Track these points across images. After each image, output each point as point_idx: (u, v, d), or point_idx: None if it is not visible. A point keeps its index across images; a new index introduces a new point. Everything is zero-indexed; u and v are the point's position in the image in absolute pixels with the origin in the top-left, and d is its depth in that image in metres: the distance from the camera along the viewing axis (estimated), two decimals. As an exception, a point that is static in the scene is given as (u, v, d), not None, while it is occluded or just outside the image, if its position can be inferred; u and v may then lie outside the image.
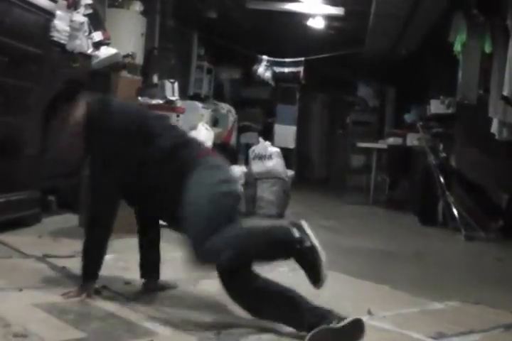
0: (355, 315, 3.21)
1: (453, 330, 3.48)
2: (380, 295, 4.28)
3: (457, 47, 8.36)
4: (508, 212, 7.64)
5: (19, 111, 5.27)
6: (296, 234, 3.12)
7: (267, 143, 8.30)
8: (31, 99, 5.41)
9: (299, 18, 12.59)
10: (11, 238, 4.86)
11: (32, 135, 5.48)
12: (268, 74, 13.95)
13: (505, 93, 7.27)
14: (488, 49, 7.98)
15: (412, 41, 11.72)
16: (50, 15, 5.79)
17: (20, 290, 3.43)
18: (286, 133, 14.27)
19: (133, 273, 4.08)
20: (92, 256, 3.47)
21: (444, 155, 8.58)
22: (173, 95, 8.09)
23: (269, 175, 7.70)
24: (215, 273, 3.15)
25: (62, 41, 6.16)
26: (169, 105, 7.61)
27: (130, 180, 3.42)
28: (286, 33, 13.55)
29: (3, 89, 4.93)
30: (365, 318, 3.38)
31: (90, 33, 7.03)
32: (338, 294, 3.92)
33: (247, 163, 8.45)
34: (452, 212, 7.59)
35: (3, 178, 5.02)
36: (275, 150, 8.08)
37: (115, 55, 7.32)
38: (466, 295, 4.35)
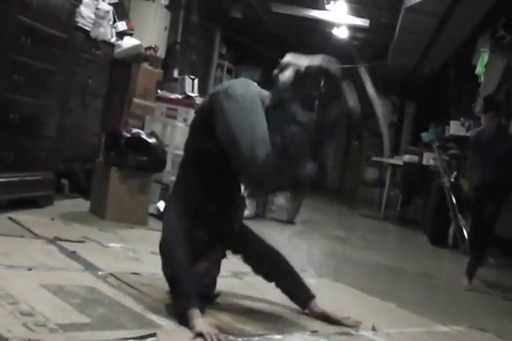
0: (360, 329, 3.34)
1: (456, 354, 3.42)
2: (385, 312, 4.21)
3: (479, 69, 8.36)
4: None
5: (41, 92, 5.23)
6: None
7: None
8: (53, 82, 5.37)
9: (324, 26, 12.60)
10: (23, 217, 4.84)
11: (51, 117, 5.49)
12: (288, 79, 13.93)
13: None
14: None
15: (436, 60, 11.70)
16: (77, 1, 5.78)
17: (29, 269, 3.41)
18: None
19: (141, 264, 4.09)
20: None
21: (454, 178, 8.53)
22: (192, 91, 8.06)
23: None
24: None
25: (87, 28, 6.14)
26: (188, 101, 7.58)
27: None
28: (309, 39, 13.56)
29: (26, 69, 4.88)
30: (368, 333, 3.43)
31: (114, 22, 7.04)
32: (344, 306, 3.89)
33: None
34: (463, 235, 7.53)
35: (20, 157, 4.99)
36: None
37: (137, 46, 7.31)
38: (472, 321, 4.28)
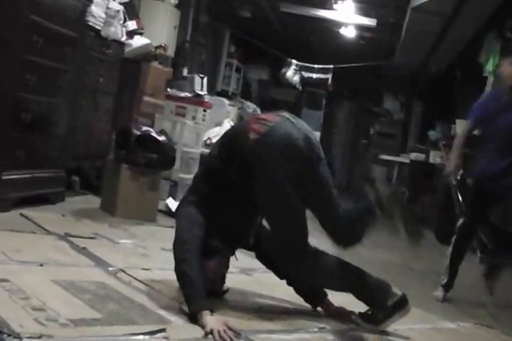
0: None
1: (463, 351, 3.44)
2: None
3: (490, 67, 8.34)
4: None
5: (52, 91, 5.29)
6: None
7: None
8: (64, 81, 5.43)
9: (331, 26, 12.64)
10: (35, 214, 4.89)
11: (63, 115, 5.55)
12: (296, 79, 14.00)
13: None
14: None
15: (443, 59, 11.72)
16: (88, 0, 5.84)
17: (41, 265, 3.46)
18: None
19: (151, 260, 4.14)
20: None
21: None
22: (201, 90, 8.10)
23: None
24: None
25: (98, 27, 6.20)
26: (197, 99, 7.63)
27: None
28: (317, 39, 13.61)
29: (38, 68, 4.94)
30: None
31: (125, 21, 7.07)
32: (353, 303, 3.89)
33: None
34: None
35: (32, 155, 5.06)
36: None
37: (147, 45, 7.37)
38: (479, 318, 4.31)
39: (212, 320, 2.89)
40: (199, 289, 3.01)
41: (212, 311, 2.98)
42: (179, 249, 3.15)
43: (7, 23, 4.67)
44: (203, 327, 2.86)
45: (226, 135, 3.58)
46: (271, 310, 3.45)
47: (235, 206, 3.32)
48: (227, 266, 3.48)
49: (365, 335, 3.35)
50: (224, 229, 3.35)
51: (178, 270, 3.12)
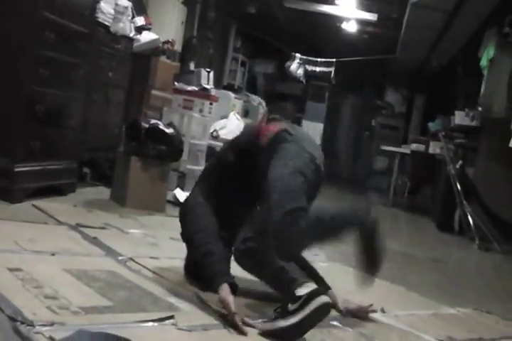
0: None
1: (462, 336, 3.52)
2: (394, 294, 4.32)
3: (483, 62, 8.41)
4: None
5: (65, 84, 5.38)
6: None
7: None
8: (77, 74, 5.54)
9: (334, 21, 12.75)
10: (47, 204, 4.95)
11: (75, 108, 5.66)
12: (300, 72, 14.13)
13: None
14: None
15: (444, 54, 11.78)
16: (97, -3, 5.94)
17: (53, 254, 3.50)
18: (314, 129, 14.29)
19: (160, 249, 4.22)
20: None
21: (459, 165, 8.63)
22: (208, 83, 8.19)
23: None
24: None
25: (107, 23, 6.30)
26: (204, 92, 7.71)
27: None
28: (320, 33, 13.71)
29: (51, 63, 5.03)
30: (378, 315, 3.52)
31: (133, 17, 7.20)
32: (354, 289, 3.97)
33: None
34: (468, 222, 7.65)
35: (45, 147, 5.13)
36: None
37: (155, 40, 7.49)
38: (478, 304, 4.37)
39: (230, 299, 2.91)
40: (224, 264, 3.12)
41: (236, 285, 3.05)
42: (197, 236, 3.26)
43: (22, 19, 4.78)
44: (222, 301, 2.90)
45: (238, 138, 3.73)
46: (279, 297, 3.48)
47: (240, 199, 3.41)
48: (230, 252, 3.46)
49: (367, 320, 3.42)
50: (229, 219, 3.41)
51: (199, 253, 3.20)
